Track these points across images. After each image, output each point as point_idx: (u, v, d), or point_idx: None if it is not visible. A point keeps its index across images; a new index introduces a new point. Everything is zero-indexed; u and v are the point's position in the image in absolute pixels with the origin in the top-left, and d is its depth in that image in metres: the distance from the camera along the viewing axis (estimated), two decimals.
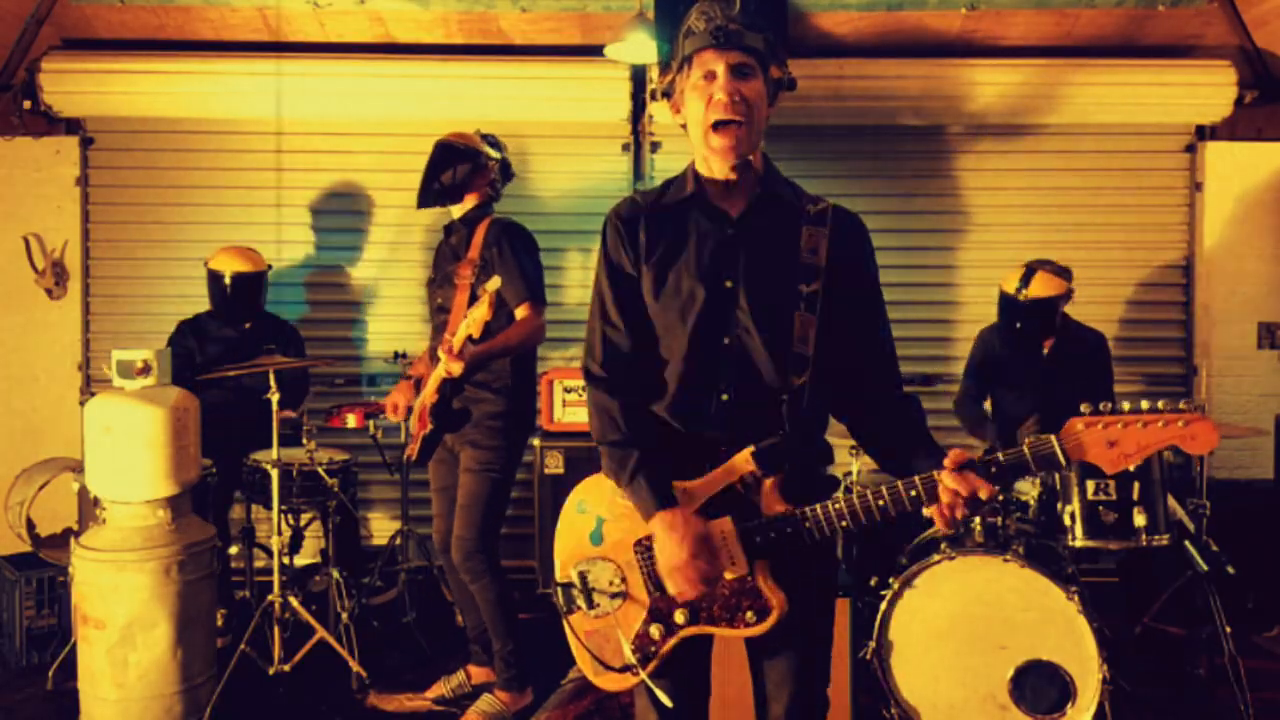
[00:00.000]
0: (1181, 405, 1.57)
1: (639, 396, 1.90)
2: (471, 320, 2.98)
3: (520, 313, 3.23)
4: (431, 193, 3.42)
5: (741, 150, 1.81)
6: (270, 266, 4.45)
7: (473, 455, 3.27)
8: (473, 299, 3.23)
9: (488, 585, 3.27)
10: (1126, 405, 1.59)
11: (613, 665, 1.88)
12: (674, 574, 1.77)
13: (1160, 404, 1.58)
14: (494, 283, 2.99)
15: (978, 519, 3.05)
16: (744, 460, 1.79)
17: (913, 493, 1.68)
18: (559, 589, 1.95)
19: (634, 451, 1.83)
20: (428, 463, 3.42)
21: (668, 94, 1.90)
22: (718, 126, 1.78)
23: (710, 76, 1.79)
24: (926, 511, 1.69)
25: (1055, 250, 4.78)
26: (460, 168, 3.38)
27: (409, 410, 3.47)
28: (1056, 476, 3.25)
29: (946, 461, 1.66)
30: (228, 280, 4.28)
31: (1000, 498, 3.13)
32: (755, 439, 1.79)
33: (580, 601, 1.92)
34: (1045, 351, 4.01)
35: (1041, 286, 3.86)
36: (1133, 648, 3.80)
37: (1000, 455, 1.64)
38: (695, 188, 1.89)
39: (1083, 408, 1.61)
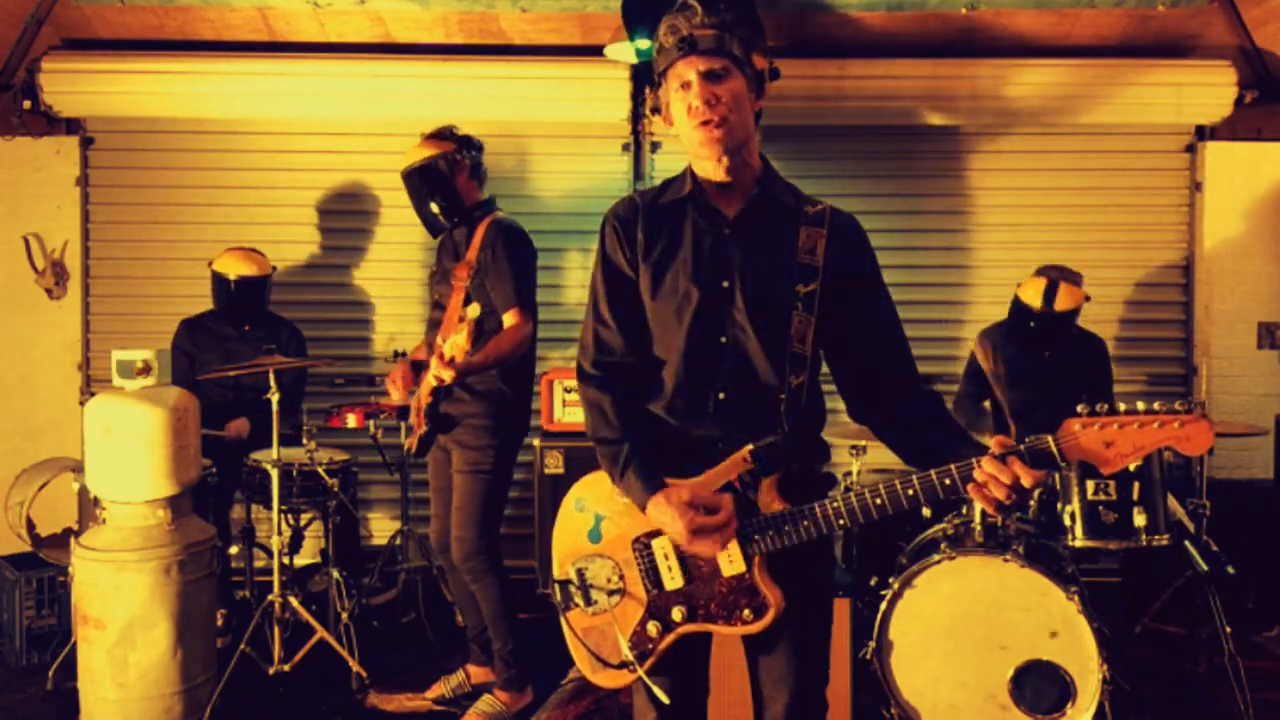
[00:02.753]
0: (1177, 406, 1.58)
1: (632, 394, 1.91)
2: (452, 344, 2.94)
3: (508, 319, 3.19)
4: (437, 220, 3.37)
5: (728, 144, 1.82)
6: (274, 269, 4.46)
7: (462, 456, 3.26)
8: (467, 303, 3.22)
9: (489, 585, 3.26)
10: (1123, 406, 1.60)
11: (610, 662, 1.89)
12: (689, 545, 1.77)
13: (1156, 405, 1.59)
14: (474, 310, 2.93)
15: (978, 518, 3.05)
16: (742, 459, 1.79)
17: (947, 481, 1.67)
18: (556, 586, 1.95)
19: (624, 446, 1.84)
20: (425, 457, 3.40)
21: (656, 110, 1.93)
22: (701, 127, 1.81)
23: (686, 86, 1.81)
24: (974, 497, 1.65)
25: (1055, 250, 4.80)
26: (442, 185, 3.33)
27: (410, 393, 3.45)
28: (1056, 476, 3.26)
29: (992, 448, 1.65)
30: (232, 283, 4.28)
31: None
32: (753, 438, 1.80)
33: (578, 599, 1.92)
34: (1046, 355, 4.01)
35: (1067, 300, 3.87)
36: (1133, 648, 3.80)
37: (999, 455, 1.64)
38: (693, 188, 1.90)
39: (1079, 408, 1.62)
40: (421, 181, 3.35)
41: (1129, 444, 1.59)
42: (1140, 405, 1.60)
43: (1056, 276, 3.91)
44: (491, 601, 3.27)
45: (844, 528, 1.75)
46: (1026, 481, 1.61)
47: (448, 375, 2.99)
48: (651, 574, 1.85)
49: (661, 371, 1.89)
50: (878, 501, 1.72)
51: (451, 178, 3.35)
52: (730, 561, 1.79)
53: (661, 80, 1.87)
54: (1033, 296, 3.90)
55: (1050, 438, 1.62)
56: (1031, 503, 3.33)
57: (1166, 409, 1.58)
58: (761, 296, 1.84)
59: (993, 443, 1.65)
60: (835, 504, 1.74)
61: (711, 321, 1.84)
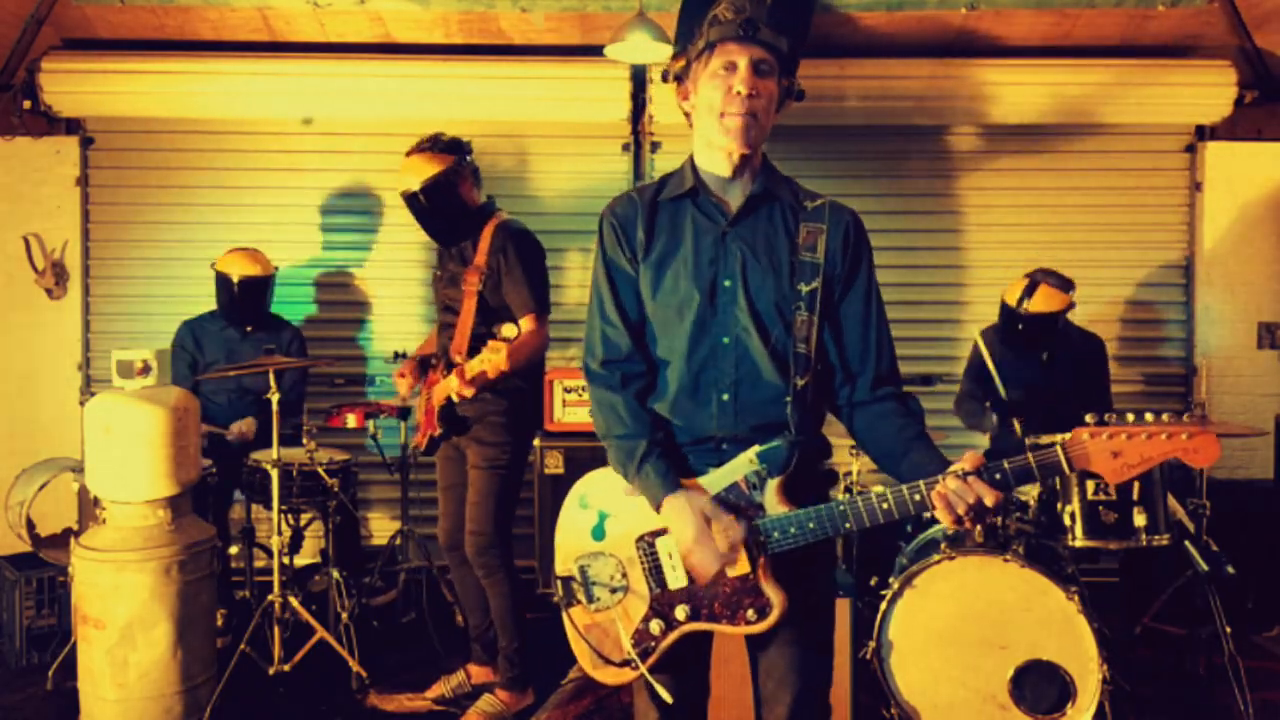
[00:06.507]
0: (1185, 418, 1.58)
1: (642, 393, 1.90)
2: (485, 361, 2.88)
3: (525, 324, 3.19)
4: (454, 233, 3.33)
5: (749, 140, 1.79)
6: (277, 269, 4.45)
7: (479, 452, 3.27)
8: (480, 308, 3.20)
9: (501, 581, 3.27)
10: (1130, 416, 1.60)
11: (612, 659, 1.88)
12: (690, 553, 1.78)
13: (1165, 416, 1.59)
14: (510, 330, 2.97)
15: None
16: (748, 460, 1.78)
17: (916, 497, 1.68)
18: (559, 582, 1.95)
19: (641, 441, 1.83)
20: (434, 455, 3.40)
21: (680, 78, 1.87)
22: (734, 115, 1.77)
23: (731, 68, 1.77)
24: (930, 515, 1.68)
25: (1055, 250, 4.80)
26: (453, 197, 3.28)
27: (415, 391, 3.45)
28: (1056, 477, 3.25)
29: (957, 466, 1.65)
30: (235, 283, 4.27)
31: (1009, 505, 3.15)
32: (758, 439, 1.79)
33: (580, 595, 1.92)
34: (1044, 355, 4.01)
35: (1043, 302, 3.86)
36: (1133, 648, 3.80)
37: (1005, 463, 1.64)
38: (694, 182, 1.88)
39: (1088, 418, 1.62)
40: (430, 198, 3.27)
41: (1136, 455, 1.59)
42: (1149, 416, 1.59)
43: (1039, 278, 3.90)
44: (502, 598, 3.28)
45: (850, 530, 1.75)
46: (989, 500, 1.62)
47: (469, 393, 3.04)
48: (655, 572, 1.85)
49: (665, 372, 1.88)
50: (884, 506, 1.71)
51: (459, 188, 3.30)
52: (735, 562, 1.78)
53: (706, 54, 1.79)
54: (1011, 295, 3.92)
55: (1059, 447, 1.62)
56: (1031, 503, 3.33)
57: (1174, 420, 1.58)
58: (764, 295, 1.82)
59: (964, 460, 1.65)
60: (842, 508, 1.73)
61: (713, 322, 1.83)
